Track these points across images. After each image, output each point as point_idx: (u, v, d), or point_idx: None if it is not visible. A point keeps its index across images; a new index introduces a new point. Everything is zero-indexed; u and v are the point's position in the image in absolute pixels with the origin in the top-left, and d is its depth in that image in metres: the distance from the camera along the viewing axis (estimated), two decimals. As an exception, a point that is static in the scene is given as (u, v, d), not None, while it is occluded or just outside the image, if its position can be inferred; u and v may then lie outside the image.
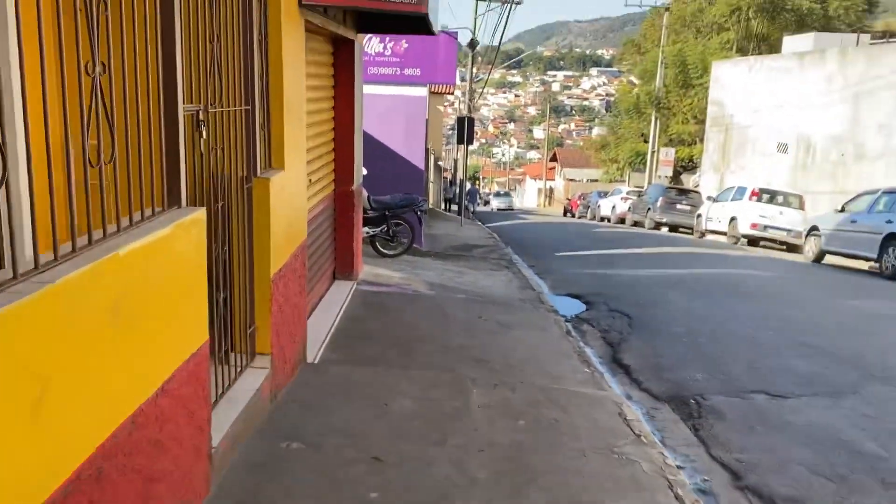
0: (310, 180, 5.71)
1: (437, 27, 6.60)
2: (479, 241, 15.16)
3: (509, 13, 22.03)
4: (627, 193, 29.22)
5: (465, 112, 26.97)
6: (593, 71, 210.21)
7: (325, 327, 5.67)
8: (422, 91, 11.58)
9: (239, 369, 3.98)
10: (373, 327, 5.94)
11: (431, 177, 27.08)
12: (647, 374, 5.61)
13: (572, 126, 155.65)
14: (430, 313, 6.62)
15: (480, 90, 35.94)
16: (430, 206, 27.91)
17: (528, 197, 74.81)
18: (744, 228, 17.73)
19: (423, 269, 9.57)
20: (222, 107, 3.50)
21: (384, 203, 9.87)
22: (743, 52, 29.97)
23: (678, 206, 23.76)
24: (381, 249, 10.09)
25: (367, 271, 8.45)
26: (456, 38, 11.65)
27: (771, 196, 17.97)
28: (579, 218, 35.30)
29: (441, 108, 38.96)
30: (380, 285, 7.54)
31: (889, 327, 7.38)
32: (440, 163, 37.21)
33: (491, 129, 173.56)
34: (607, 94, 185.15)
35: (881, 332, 7.07)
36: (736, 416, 4.64)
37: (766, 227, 17.52)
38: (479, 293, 8.03)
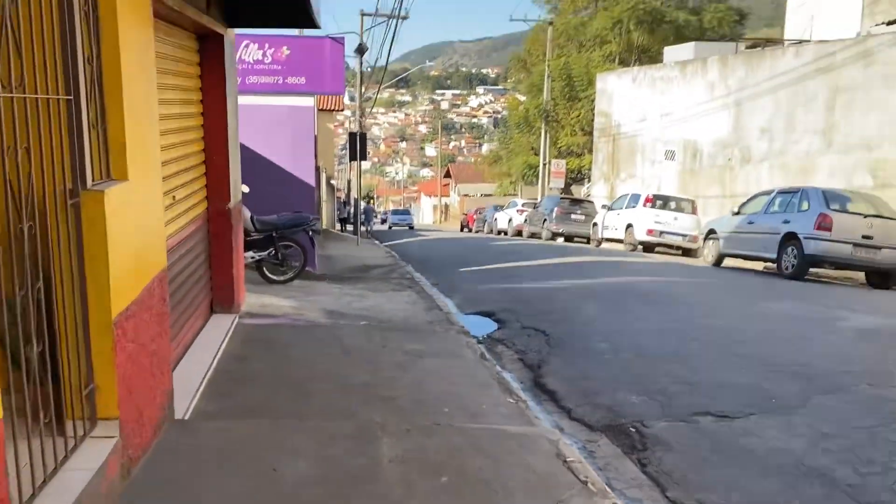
0: (173, 197, 4.77)
1: (319, 19, 5.81)
2: (378, 261, 14.35)
3: (397, 26, 21.47)
4: (523, 206, 29.25)
5: (356, 128, 26.14)
6: (480, 89, 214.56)
7: (199, 372, 4.71)
8: (308, 101, 10.71)
9: (74, 442, 3.02)
10: (258, 368, 5.02)
11: (324, 196, 26.04)
12: (576, 399, 4.98)
13: (462, 143, 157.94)
14: (327, 346, 5.76)
15: (370, 108, 35.24)
16: (325, 227, 26.83)
17: (424, 214, 74.60)
18: (640, 235, 17.81)
19: (318, 294, 8.67)
20: (25, 92, 2.58)
21: (270, 223, 8.92)
22: (625, 63, 30.78)
23: (573, 217, 23.88)
24: (270, 275, 9.12)
25: (252, 301, 7.48)
26: (342, 45, 10.87)
27: (664, 202, 18.17)
28: (476, 232, 35.14)
29: (331, 126, 37.97)
30: (267, 317, 6.60)
31: (813, 331, 7.14)
32: (333, 182, 36.14)
33: (383, 147, 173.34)
34: (494, 112, 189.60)
35: (809, 337, 6.80)
36: (684, 444, 4.07)
37: (661, 233, 17.66)
38: (381, 318, 7.22)
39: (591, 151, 33.01)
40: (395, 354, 5.69)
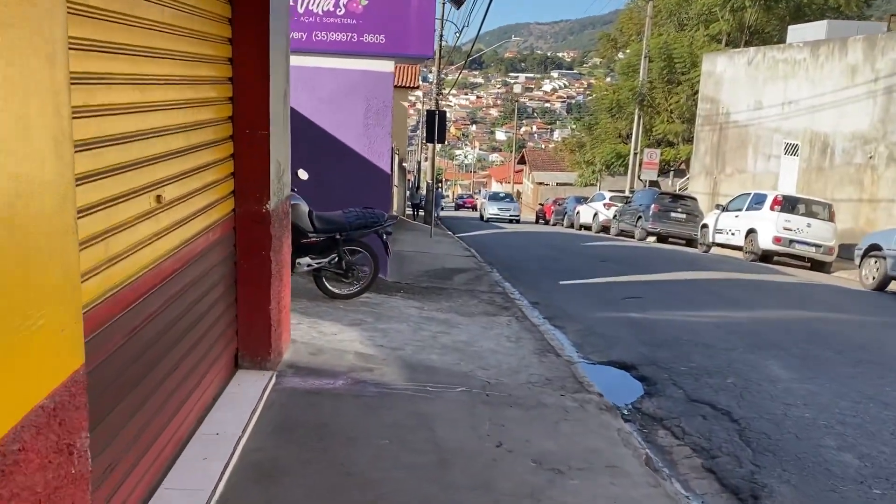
0: (157, 198, 2.66)
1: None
2: (457, 263, 12.16)
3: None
4: (611, 199, 26.55)
5: (431, 110, 23.94)
6: (554, 73, 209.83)
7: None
8: (387, 66, 8.57)
9: None
10: (295, 497, 2.89)
11: (396, 180, 24.00)
12: None
13: (534, 128, 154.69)
14: (410, 444, 3.58)
15: (449, 89, 33.00)
16: (395, 214, 24.86)
17: (494, 200, 72.16)
18: (765, 243, 15.07)
19: (392, 318, 6.52)
20: None
21: (335, 222, 6.81)
22: (734, 44, 27.56)
23: (672, 215, 21.16)
24: (331, 288, 7.04)
25: (302, 333, 5.39)
26: (433, -3, 8.64)
27: (795, 205, 15.34)
28: (554, 225, 32.59)
29: (405, 105, 35.92)
30: (319, 374, 4.44)
31: None
32: (405, 164, 34.13)
33: (452, 130, 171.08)
34: (568, 97, 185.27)
35: None
36: None
37: (791, 242, 14.88)
38: (483, 374, 5.00)
39: (688, 141, 29.99)
40: (518, 465, 3.47)
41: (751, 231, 15.49)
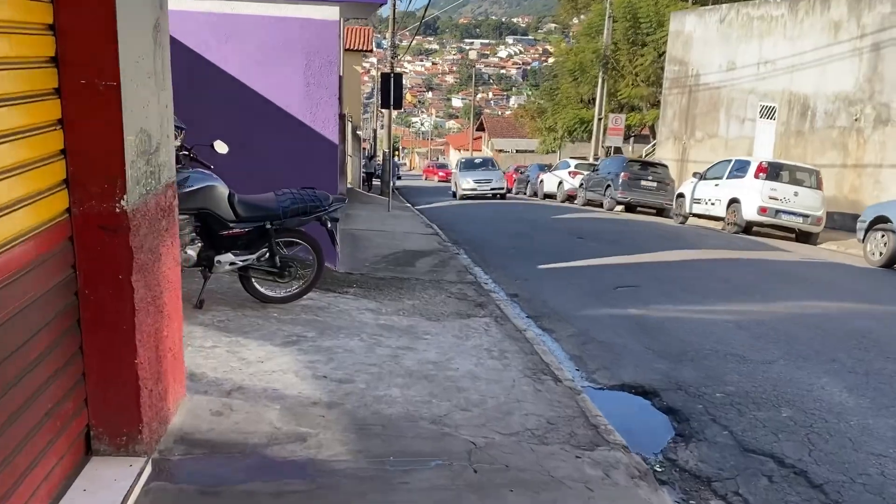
0: None
1: None
2: (419, 242, 10.75)
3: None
4: (577, 167, 25.34)
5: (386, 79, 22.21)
6: (509, 39, 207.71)
7: None
8: (331, 12, 7.00)
9: None
10: None
11: (350, 149, 22.36)
12: None
13: (490, 95, 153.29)
14: None
15: (402, 54, 31.21)
16: (350, 186, 23.22)
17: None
18: (749, 214, 13.99)
19: (341, 331, 5.10)
20: None
21: (263, 208, 5.32)
22: (702, 2, 26.34)
23: (643, 183, 20.06)
24: (263, 291, 5.58)
25: (217, 363, 3.97)
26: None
27: (781, 172, 14.26)
28: (517, 194, 31.33)
29: (358, 69, 34.03)
30: (225, 453, 2.97)
31: None
32: (359, 132, 32.37)
33: (409, 97, 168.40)
34: (524, 63, 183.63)
35: None
36: None
37: (777, 213, 13.83)
38: (463, 425, 3.61)
39: (655, 106, 28.87)
40: None
41: (733, 201, 14.39)
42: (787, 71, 18.27)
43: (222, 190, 5.14)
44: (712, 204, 15.24)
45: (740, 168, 14.78)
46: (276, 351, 4.48)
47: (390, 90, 16.22)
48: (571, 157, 30.64)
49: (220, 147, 5.38)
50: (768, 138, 19.08)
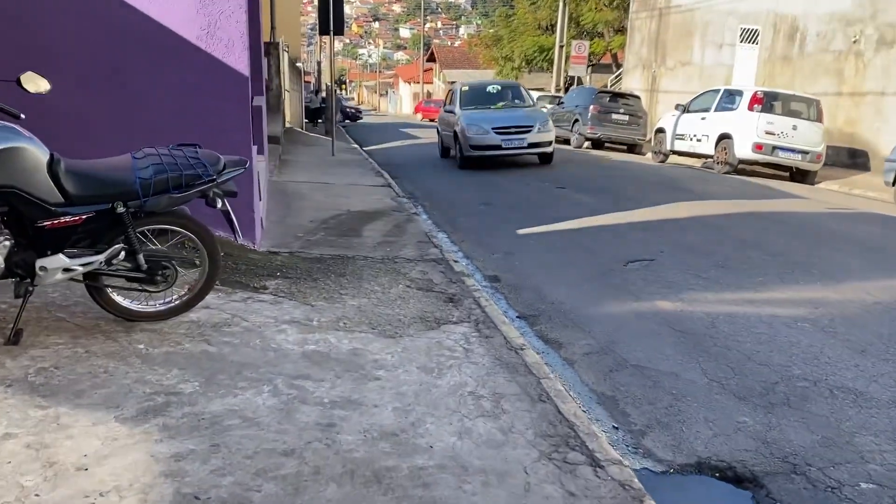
0: None
1: None
2: (368, 199, 8.81)
3: None
4: (539, 100, 23.37)
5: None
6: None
7: None
8: None
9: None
10: None
11: (286, 83, 19.94)
12: None
13: (439, 25, 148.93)
14: None
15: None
16: (289, 126, 20.85)
17: (402, 103, 67.59)
18: (743, 151, 12.36)
19: (240, 377, 3.24)
20: None
21: (110, 182, 3.31)
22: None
23: (614, 117, 18.35)
24: (126, 305, 3.65)
25: (3, 478, 2.07)
26: None
27: (776, 103, 12.59)
28: (473, 130, 29.28)
29: (296, -5, 30.97)
30: None
31: None
32: (300, 65, 29.59)
33: (354, 28, 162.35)
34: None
35: None
36: None
37: (774, 149, 12.23)
38: None
39: (620, 32, 26.88)
40: None
41: (724, 137, 12.73)
42: (773, -12, 16.45)
43: (35, 154, 3.13)
44: (698, 140, 13.57)
45: (730, 99, 13.09)
46: (120, 436, 2.61)
47: (329, 13, 13.88)
48: (536, 89, 28.62)
49: (33, 83, 3.34)
50: (750, 65, 17.38)
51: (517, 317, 4.62)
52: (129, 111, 5.15)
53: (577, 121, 18.76)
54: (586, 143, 18.63)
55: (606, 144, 19.23)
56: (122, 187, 3.27)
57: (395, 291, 4.80)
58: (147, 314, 3.68)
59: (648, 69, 22.31)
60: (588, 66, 30.05)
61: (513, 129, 12.29)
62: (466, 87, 14.31)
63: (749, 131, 12.20)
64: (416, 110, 34.76)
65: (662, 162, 14.88)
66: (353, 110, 41.44)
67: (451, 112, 13.48)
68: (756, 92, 12.53)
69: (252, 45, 8.74)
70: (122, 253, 3.41)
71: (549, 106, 22.02)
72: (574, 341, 4.12)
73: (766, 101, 12.37)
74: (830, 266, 5.72)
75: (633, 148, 18.64)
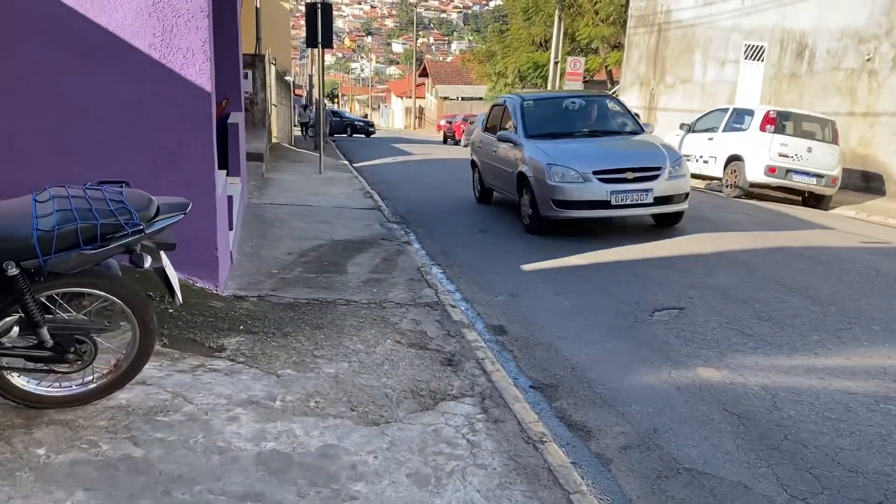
0: None
1: None
2: (355, 225, 7.98)
3: None
4: (534, 116, 22.65)
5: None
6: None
7: None
8: None
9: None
10: None
11: (273, 97, 19.15)
12: None
13: (431, 40, 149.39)
14: None
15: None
16: (276, 141, 20.02)
17: (394, 117, 66.92)
18: (755, 174, 11.62)
19: None
20: None
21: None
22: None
23: (613, 135, 17.50)
24: (24, 386, 2.79)
25: None
26: None
27: (789, 123, 11.87)
28: (465, 146, 28.59)
29: (286, 6, 30.29)
30: None
31: None
32: (288, 78, 28.82)
33: (347, 42, 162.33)
34: (465, 7, 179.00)
35: None
36: None
37: (788, 172, 11.49)
38: None
39: (616, 48, 26.29)
40: None
41: (734, 158, 11.99)
42: (779, 4, 15.80)
43: None
44: (705, 161, 12.84)
45: (740, 118, 12.36)
46: None
47: (317, 24, 13.13)
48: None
49: None
50: (754, 82, 16.71)
51: (531, 387, 3.79)
52: (68, 129, 4.34)
53: (574, 139, 18.01)
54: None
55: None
56: (15, 242, 2.44)
57: (382, 351, 3.98)
58: (58, 399, 2.83)
59: (646, 86, 21.66)
60: (584, 83, 29.44)
61: (628, 174, 7.57)
62: (531, 102, 9.35)
63: (761, 153, 11.47)
64: (439, 128, 32.37)
65: (666, 183, 14.12)
66: (362, 123, 39.97)
67: (509, 141, 8.79)
68: (768, 111, 11.81)
69: (226, 57, 7.94)
70: (16, 328, 2.57)
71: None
72: (606, 427, 3.29)
73: (779, 122, 11.65)
74: (891, 319, 4.93)
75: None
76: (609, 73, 28.37)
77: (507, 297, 5.44)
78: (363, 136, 36.51)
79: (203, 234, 4.73)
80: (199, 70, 4.45)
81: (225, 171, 5.63)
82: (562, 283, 5.85)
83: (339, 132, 36.91)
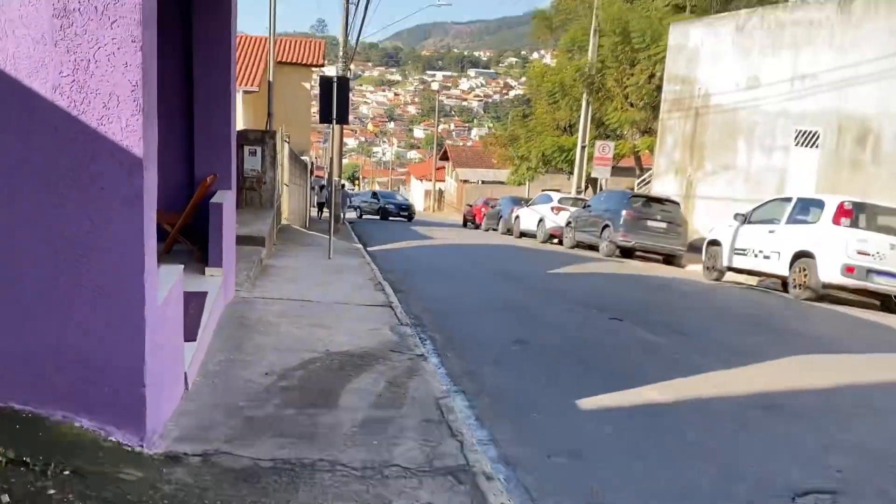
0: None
1: None
2: (358, 330, 6.41)
3: None
4: (560, 202, 21.42)
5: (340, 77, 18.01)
6: (471, 72, 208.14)
7: None
8: None
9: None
10: None
11: (285, 177, 18.04)
12: None
13: (452, 126, 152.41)
14: None
15: (352, 68, 27.17)
16: (286, 223, 18.82)
17: (414, 200, 66.43)
18: (830, 274, 10.02)
19: None
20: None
21: None
22: (703, 12, 22.83)
23: (650, 224, 16.24)
24: None
25: None
26: None
27: (864, 215, 10.36)
28: (486, 230, 27.34)
29: (307, 86, 29.82)
30: None
31: None
32: (305, 157, 27.95)
33: (371, 127, 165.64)
34: (485, 95, 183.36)
35: None
36: None
37: (868, 273, 9.89)
38: None
39: (647, 133, 25.24)
40: None
41: (802, 255, 10.43)
42: (835, 87, 14.60)
43: None
44: (766, 257, 11.27)
45: (805, 209, 10.88)
46: None
47: (332, 98, 11.99)
48: (550, 190, 26.81)
49: None
50: (808, 170, 15.33)
51: None
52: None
53: (607, 226, 16.66)
54: (616, 252, 16.49)
55: (639, 254, 17.10)
56: None
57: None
58: None
59: (682, 173, 20.37)
60: (640, 170, 28.26)
61: None
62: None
63: (837, 250, 9.92)
64: (476, 213, 30.95)
65: (717, 280, 12.55)
66: (403, 206, 37.12)
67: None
68: (842, 202, 10.32)
69: (215, 127, 6.62)
70: None
71: (572, 209, 20.03)
72: None
73: (855, 214, 10.14)
74: None
75: (670, 259, 16.45)
76: (637, 158, 27.28)
77: (565, 460, 3.79)
78: (405, 219, 34.35)
79: (124, 362, 3.20)
80: (125, 126, 3.02)
81: (181, 267, 4.14)
82: (640, 437, 4.20)
83: (371, 214, 35.33)
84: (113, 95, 2.99)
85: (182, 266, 4.29)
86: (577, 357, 5.93)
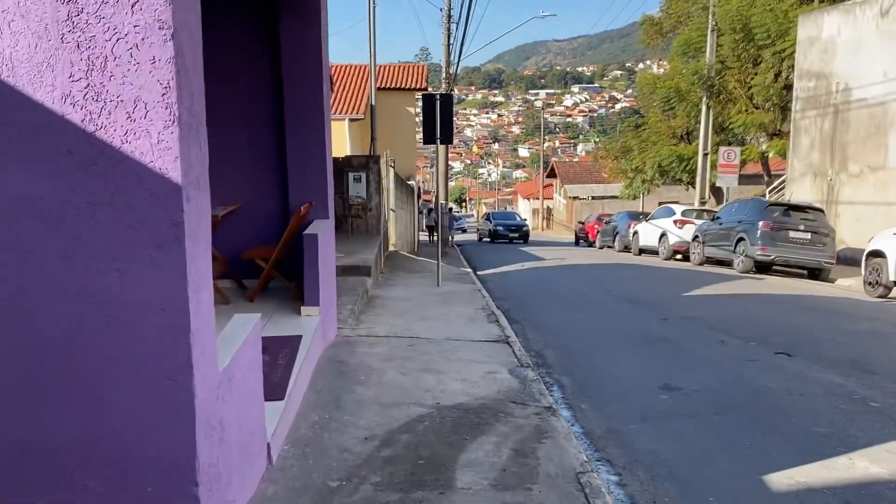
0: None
1: None
2: (474, 375, 5.51)
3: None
4: (684, 214, 19.81)
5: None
6: (574, 88, 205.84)
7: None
8: None
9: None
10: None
11: (391, 202, 17.54)
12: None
13: (557, 143, 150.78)
14: None
15: (453, 87, 26.65)
16: (393, 249, 18.31)
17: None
18: None
19: None
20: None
21: None
22: (834, 0, 20.70)
23: (792, 235, 14.52)
24: None
25: None
26: None
27: None
28: (601, 248, 25.92)
29: (412, 111, 29.59)
30: None
31: None
32: (412, 182, 27.60)
33: (475, 149, 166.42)
34: (590, 111, 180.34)
35: None
36: None
37: None
38: None
39: (775, 135, 23.15)
40: None
41: None
42: None
43: None
44: (948, 270, 9.51)
45: None
46: None
47: (436, 117, 11.27)
48: (669, 202, 25.09)
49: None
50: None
51: None
52: None
53: (741, 239, 15.04)
54: (752, 268, 14.84)
55: (778, 269, 15.36)
56: None
57: None
58: None
59: (822, 176, 18.33)
60: (769, 176, 26.18)
61: None
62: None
63: None
64: (589, 230, 30.07)
65: (883, 297, 10.80)
66: (513, 227, 34.17)
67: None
68: None
69: (309, 152, 6.01)
70: None
71: (699, 222, 18.42)
72: None
73: None
74: None
75: (815, 273, 14.62)
76: (766, 163, 25.11)
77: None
78: (522, 241, 33.00)
79: (169, 454, 2.42)
80: (156, 142, 2.26)
81: (257, 316, 3.38)
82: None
83: (488, 238, 34.17)
84: (139, 102, 2.24)
85: (258, 315, 3.53)
86: (746, 409, 4.74)
